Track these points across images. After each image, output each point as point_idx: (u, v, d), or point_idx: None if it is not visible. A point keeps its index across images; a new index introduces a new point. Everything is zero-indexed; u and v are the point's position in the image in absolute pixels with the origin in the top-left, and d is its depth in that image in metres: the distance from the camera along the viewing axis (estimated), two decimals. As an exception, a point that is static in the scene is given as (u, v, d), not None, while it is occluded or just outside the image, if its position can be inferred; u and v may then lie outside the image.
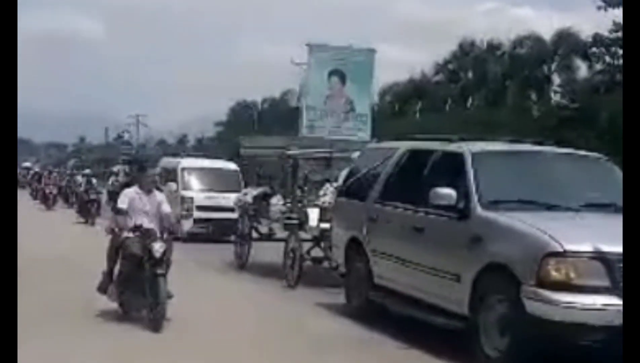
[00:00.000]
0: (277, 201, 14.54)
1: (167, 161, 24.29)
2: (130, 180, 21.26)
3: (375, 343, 9.41)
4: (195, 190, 21.44)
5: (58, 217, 28.92)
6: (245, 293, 12.81)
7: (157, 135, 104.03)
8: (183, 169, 21.62)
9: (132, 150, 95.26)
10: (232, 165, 22.94)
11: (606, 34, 39.50)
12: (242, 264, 15.57)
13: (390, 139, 11.63)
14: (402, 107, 52.63)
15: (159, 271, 9.59)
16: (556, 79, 47.37)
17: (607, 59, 42.52)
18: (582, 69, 45.27)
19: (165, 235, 10.05)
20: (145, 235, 9.84)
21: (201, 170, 22.20)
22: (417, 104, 51.40)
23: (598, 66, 43.09)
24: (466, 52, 51.72)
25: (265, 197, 15.09)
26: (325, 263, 13.54)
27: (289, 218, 14.08)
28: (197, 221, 20.66)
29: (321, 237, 13.41)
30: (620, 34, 35.51)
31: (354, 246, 10.84)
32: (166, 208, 10.40)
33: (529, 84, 47.62)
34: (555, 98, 46.15)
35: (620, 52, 40.19)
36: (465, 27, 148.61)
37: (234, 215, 20.07)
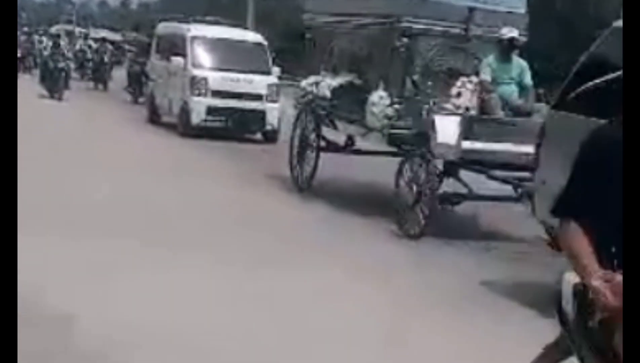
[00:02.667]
0: (379, 99, 9.59)
1: (167, 27, 18.69)
2: None
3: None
4: (210, 68, 16.04)
5: (20, 85, 23.41)
6: (331, 245, 7.83)
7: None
8: (194, 39, 16.23)
9: (73, 9, 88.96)
10: (257, 37, 17.63)
11: None
12: (303, 185, 10.80)
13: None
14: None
15: None
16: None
17: None
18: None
19: None
20: None
21: (218, 41, 16.64)
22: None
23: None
24: None
25: (352, 91, 10.21)
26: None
27: (398, 128, 9.35)
28: (211, 110, 15.42)
29: (460, 164, 8.81)
30: None
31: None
32: None
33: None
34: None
35: None
36: None
37: (260, 105, 15.61)
